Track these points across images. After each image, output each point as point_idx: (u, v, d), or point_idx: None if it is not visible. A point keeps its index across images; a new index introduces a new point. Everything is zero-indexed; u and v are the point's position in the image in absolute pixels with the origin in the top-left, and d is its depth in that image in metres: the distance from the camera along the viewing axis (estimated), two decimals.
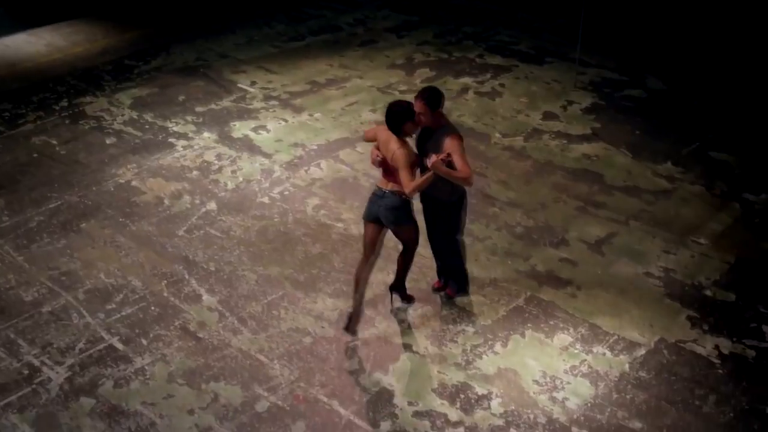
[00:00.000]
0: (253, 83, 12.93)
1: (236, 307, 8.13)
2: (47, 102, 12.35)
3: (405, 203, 7.40)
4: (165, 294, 8.31)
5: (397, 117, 7.24)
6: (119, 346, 7.65)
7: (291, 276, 8.56)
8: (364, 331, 7.79)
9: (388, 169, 7.37)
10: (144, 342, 7.69)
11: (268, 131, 11.43)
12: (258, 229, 9.29)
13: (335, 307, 8.09)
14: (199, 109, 12.10)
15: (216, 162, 10.66)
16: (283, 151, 10.92)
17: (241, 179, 10.26)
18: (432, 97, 7.26)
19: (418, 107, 7.23)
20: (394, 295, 8.15)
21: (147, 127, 11.55)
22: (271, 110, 12.03)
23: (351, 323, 7.68)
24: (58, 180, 10.29)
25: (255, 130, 11.48)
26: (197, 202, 9.80)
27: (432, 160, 7.06)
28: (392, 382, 7.25)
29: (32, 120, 11.80)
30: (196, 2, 16.45)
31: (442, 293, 8.24)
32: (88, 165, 10.62)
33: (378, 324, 7.90)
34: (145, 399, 7.07)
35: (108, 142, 11.18)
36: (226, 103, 12.29)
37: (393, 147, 7.22)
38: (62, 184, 10.21)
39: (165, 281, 8.49)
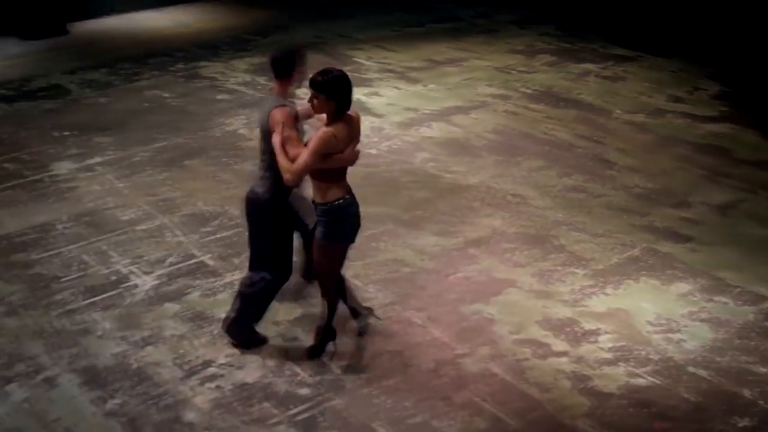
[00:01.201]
0: (369, 58, 12.73)
1: None
2: (164, 64, 12.41)
3: (335, 209, 5.83)
4: None
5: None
6: (210, 263, 7.39)
7: (394, 215, 8.19)
8: (466, 267, 7.34)
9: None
10: (236, 261, 7.39)
11: (380, 96, 11.16)
12: (363, 175, 8.90)
13: (437, 243, 7.67)
14: None
15: None
16: (395, 113, 10.62)
17: None
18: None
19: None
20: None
21: (259, 87, 11.41)
22: (385, 80, 11.77)
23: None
24: (166, 125, 10.22)
25: (368, 95, 11.22)
26: None
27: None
28: (492, 312, 6.76)
29: (147, 77, 11.84)
30: None
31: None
32: (198, 114, 10.53)
33: (481, 261, 7.44)
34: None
35: (219, 97, 11.10)
36: None
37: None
38: (170, 128, 10.13)
39: None
